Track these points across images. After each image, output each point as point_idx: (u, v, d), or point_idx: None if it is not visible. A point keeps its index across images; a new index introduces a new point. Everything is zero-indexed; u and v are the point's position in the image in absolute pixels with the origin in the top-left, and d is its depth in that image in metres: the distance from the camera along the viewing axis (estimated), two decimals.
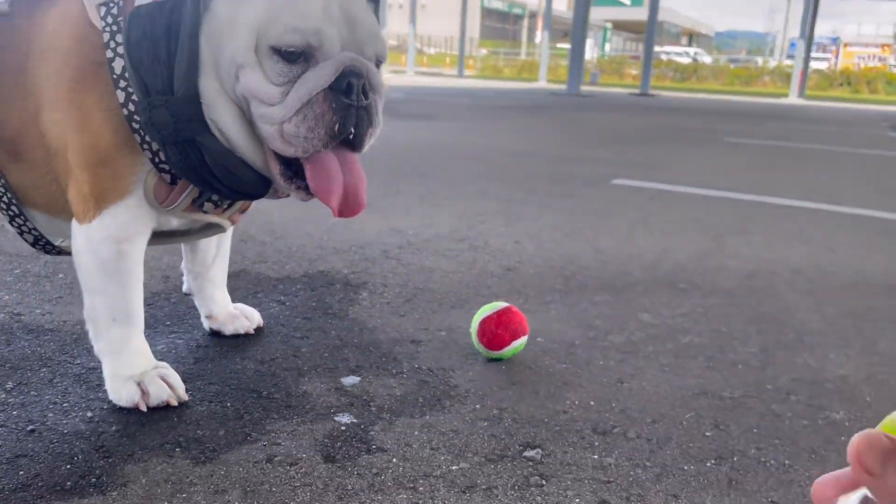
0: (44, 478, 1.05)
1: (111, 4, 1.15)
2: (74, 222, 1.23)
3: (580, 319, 1.83)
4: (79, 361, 1.43)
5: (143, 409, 1.25)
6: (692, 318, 1.89)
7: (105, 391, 1.29)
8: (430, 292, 1.98)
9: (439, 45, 45.02)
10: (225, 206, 1.30)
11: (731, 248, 2.66)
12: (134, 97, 1.12)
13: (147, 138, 1.14)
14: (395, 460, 1.15)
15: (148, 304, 1.72)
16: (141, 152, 1.17)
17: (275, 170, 1.16)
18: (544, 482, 1.12)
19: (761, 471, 1.18)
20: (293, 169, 1.16)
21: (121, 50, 1.12)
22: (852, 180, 4.73)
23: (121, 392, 1.26)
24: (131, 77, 1.11)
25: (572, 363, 1.56)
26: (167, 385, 1.28)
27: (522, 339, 1.55)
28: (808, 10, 19.92)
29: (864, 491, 0.41)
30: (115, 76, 1.13)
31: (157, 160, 1.17)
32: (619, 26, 56.65)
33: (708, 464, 1.19)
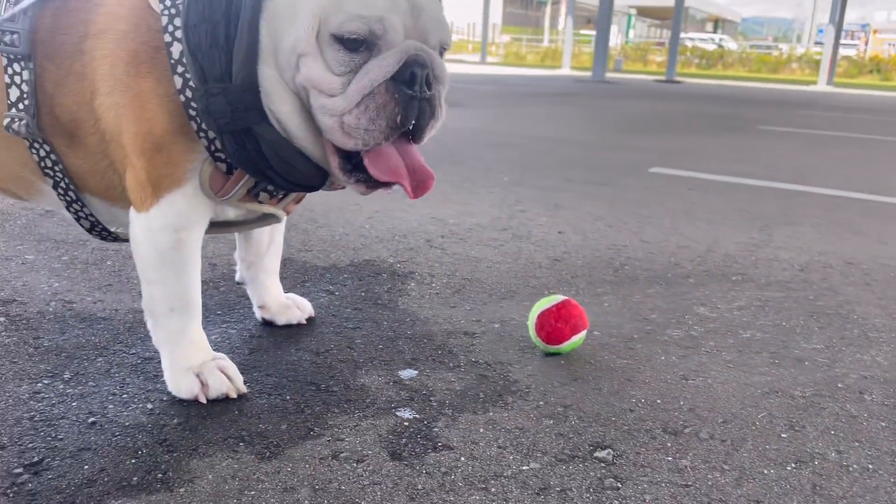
0: (109, 472, 1.03)
1: None
2: (133, 211, 1.20)
3: (635, 312, 1.78)
4: (134, 351, 1.41)
5: (203, 401, 1.23)
6: (750, 311, 1.83)
7: (163, 382, 1.27)
8: (479, 283, 1.94)
9: (462, 31, 44.77)
10: (280, 197, 1.27)
11: (780, 239, 2.59)
12: (191, 83, 1.08)
13: (204, 126, 1.11)
14: (462, 459, 1.12)
15: None
16: (197, 140, 1.14)
17: (333, 163, 1.12)
18: (619, 485, 1.08)
19: (845, 476, 1.13)
20: (353, 162, 1.12)
21: (179, 34, 1.09)
22: (893, 170, 4.61)
23: (180, 384, 1.23)
24: (189, 63, 1.07)
25: (633, 358, 1.52)
26: (226, 377, 1.26)
27: (582, 334, 1.50)
28: None
29: None
30: (172, 61, 1.10)
31: (213, 148, 1.14)
32: (644, 12, 55.98)
33: (788, 467, 1.14)
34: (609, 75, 18.47)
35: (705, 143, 5.46)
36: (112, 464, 1.05)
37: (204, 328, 1.43)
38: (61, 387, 1.26)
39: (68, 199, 1.27)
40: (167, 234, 1.18)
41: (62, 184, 1.24)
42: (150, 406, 1.22)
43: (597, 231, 2.57)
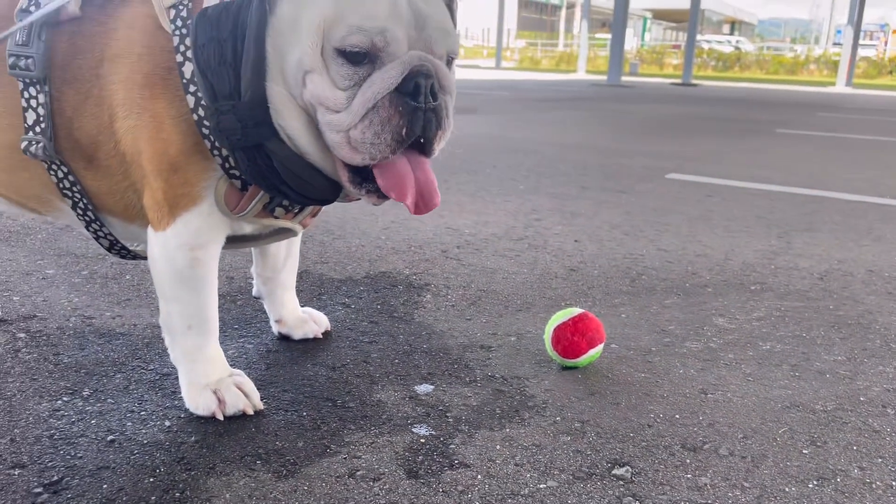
0: (127, 491, 1.04)
1: (181, 7, 1.12)
2: (150, 230, 1.21)
3: (653, 324, 1.77)
4: (152, 367, 1.42)
5: (220, 417, 1.23)
6: (770, 322, 1.81)
7: (180, 399, 1.27)
8: (495, 294, 1.94)
9: (476, 37, 44.82)
10: (296, 211, 1.27)
11: (799, 246, 2.57)
12: (203, 102, 1.09)
13: (217, 144, 1.11)
14: (479, 477, 1.11)
15: None
16: (212, 158, 1.14)
17: (343, 177, 1.12)
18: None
19: (868, 493, 1.11)
20: (363, 174, 1.12)
21: (190, 54, 1.09)
22: None
23: (198, 401, 1.24)
24: (199, 81, 1.08)
25: (651, 372, 1.50)
26: (243, 393, 1.26)
27: (599, 347, 1.49)
28: None
29: None
30: (184, 81, 1.10)
31: (227, 166, 1.14)
32: (659, 15, 55.77)
33: (810, 485, 1.13)
34: (625, 79, 18.41)
35: (722, 147, 5.42)
36: (130, 483, 1.06)
37: (221, 343, 1.44)
38: (80, 404, 1.27)
39: (87, 218, 1.28)
40: (184, 253, 1.19)
41: (81, 204, 1.26)
42: (167, 423, 1.22)
43: (613, 240, 2.56)
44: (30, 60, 1.16)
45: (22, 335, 1.55)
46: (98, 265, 2.00)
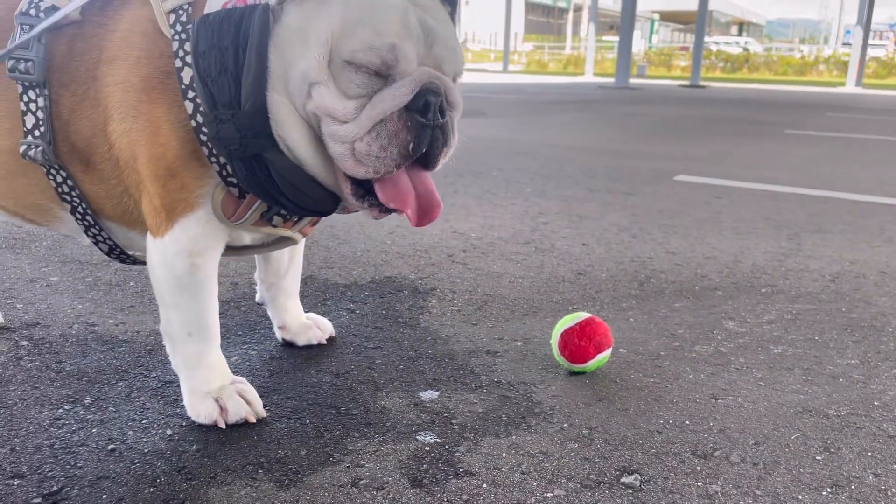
0: (127, 501, 1.02)
1: (181, 11, 1.11)
2: (149, 236, 1.20)
3: (662, 328, 1.75)
4: (154, 375, 1.41)
5: (222, 426, 1.22)
6: (781, 325, 1.78)
7: (182, 407, 1.26)
8: (501, 299, 1.92)
9: (483, 41, 44.84)
10: (295, 220, 1.25)
11: (809, 248, 2.53)
12: (202, 109, 1.08)
13: (215, 151, 1.10)
14: (485, 486, 1.09)
15: (219, 313, 1.69)
16: (209, 165, 1.13)
17: (346, 189, 1.11)
18: None
19: (884, 501, 1.08)
20: (365, 187, 1.10)
21: (189, 59, 1.08)
22: None
23: (199, 409, 1.22)
24: (199, 88, 1.06)
25: (660, 377, 1.48)
26: (245, 401, 1.24)
27: (607, 352, 1.47)
28: None
29: None
30: (183, 86, 1.09)
31: (224, 174, 1.13)
32: (667, 17, 55.65)
33: (824, 492, 1.10)
34: (633, 81, 18.36)
35: (731, 148, 5.38)
36: (130, 493, 1.04)
37: (224, 349, 1.43)
38: (82, 412, 1.26)
39: (86, 223, 1.27)
40: (182, 259, 1.17)
41: (80, 209, 1.24)
42: (169, 432, 1.21)
43: (621, 242, 2.53)
44: (29, 64, 1.15)
45: (25, 343, 1.54)
46: (102, 272, 1.99)
